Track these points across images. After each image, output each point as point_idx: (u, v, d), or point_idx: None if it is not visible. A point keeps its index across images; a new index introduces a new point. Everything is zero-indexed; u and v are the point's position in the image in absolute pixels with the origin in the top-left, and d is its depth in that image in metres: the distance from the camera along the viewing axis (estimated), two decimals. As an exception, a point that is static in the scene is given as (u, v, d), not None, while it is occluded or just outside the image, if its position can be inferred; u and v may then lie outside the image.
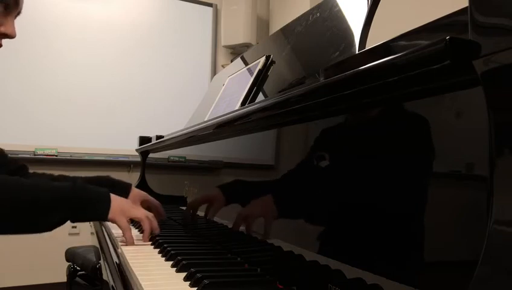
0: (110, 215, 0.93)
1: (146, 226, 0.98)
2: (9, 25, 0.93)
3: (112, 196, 0.96)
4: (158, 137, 1.64)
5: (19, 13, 0.97)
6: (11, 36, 0.94)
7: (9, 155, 1.25)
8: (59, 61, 3.08)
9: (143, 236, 0.98)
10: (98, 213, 0.94)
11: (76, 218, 0.92)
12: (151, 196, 1.73)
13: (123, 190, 1.21)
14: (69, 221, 0.91)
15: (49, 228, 0.87)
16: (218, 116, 0.93)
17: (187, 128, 1.20)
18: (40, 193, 0.86)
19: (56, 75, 3.06)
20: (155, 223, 1.00)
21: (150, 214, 1.01)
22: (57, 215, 0.87)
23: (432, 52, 0.37)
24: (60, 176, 1.25)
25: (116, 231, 1.09)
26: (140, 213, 0.99)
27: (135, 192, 1.23)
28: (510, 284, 0.30)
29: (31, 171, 1.27)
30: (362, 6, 0.87)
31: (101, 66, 3.20)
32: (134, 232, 1.07)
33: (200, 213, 1.11)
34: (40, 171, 1.29)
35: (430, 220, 0.40)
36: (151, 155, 1.82)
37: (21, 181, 0.86)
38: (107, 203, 0.94)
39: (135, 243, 0.95)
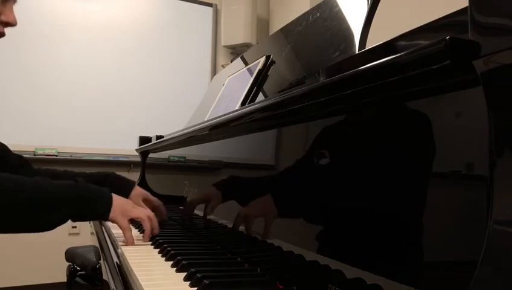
0: (111, 215, 0.94)
1: (147, 226, 0.98)
2: (9, 12, 0.93)
3: (114, 196, 0.96)
4: (158, 137, 1.64)
5: (15, 1, 0.97)
6: (12, 24, 0.94)
7: (12, 151, 1.25)
8: (59, 61, 3.08)
9: (143, 236, 0.98)
10: (99, 212, 0.94)
11: (77, 217, 0.92)
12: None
13: (126, 187, 1.21)
14: (70, 220, 0.91)
15: (50, 226, 0.87)
16: (218, 116, 0.93)
17: (187, 128, 1.20)
18: (41, 192, 0.86)
19: (56, 75, 3.06)
20: (156, 223, 1.00)
21: (151, 214, 1.02)
22: (58, 214, 0.87)
23: (432, 52, 0.37)
24: (64, 171, 1.25)
25: (116, 230, 1.09)
26: (142, 213, 1.00)
27: (137, 190, 1.23)
28: (510, 284, 0.30)
29: (35, 167, 1.27)
30: (362, 6, 0.87)
31: (101, 66, 3.20)
32: (135, 232, 1.07)
33: (199, 213, 1.11)
34: (44, 167, 1.29)
35: (430, 220, 0.40)
36: (151, 155, 1.82)
37: (22, 180, 0.86)
38: (109, 202, 0.94)
39: (135, 243, 0.95)
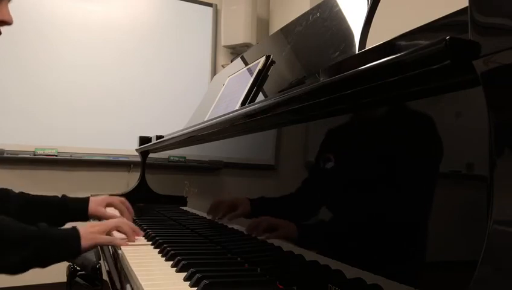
0: (83, 245, 0.88)
1: (126, 229, 0.98)
2: (5, 11, 0.91)
3: (79, 228, 0.92)
4: (158, 137, 1.64)
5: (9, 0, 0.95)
6: (8, 22, 0.92)
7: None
8: (59, 61, 3.08)
9: (128, 237, 0.98)
10: (68, 251, 0.89)
11: (45, 258, 0.87)
12: (151, 196, 1.74)
13: (81, 203, 1.19)
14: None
15: (10, 269, 0.83)
16: (218, 116, 0.93)
17: (187, 128, 1.20)
18: (4, 231, 0.83)
19: (56, 75, 3.06)
20: (133, 225, 1.02)
21: (123, 219, 1.06)
22: (19, 254, 0.83)
23: (432, 52, 0.37)
24: (20, 193, 1.18)
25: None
26: (114, 221, 1.00)
27: (94, 201, 1.21)
28: (510, 284, 0.30)
29: None
30: (362, 6, 0.87)
31: (101, 66, 3.20)
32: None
33: (200, 213, 1.11)
34: (4, 188, 1.20)
35: (430, 220, 0.40)
36: (151, 155, 1.82)
37: None
38: (77, 236, 0.89)
39: (134, 244, 0.95)
